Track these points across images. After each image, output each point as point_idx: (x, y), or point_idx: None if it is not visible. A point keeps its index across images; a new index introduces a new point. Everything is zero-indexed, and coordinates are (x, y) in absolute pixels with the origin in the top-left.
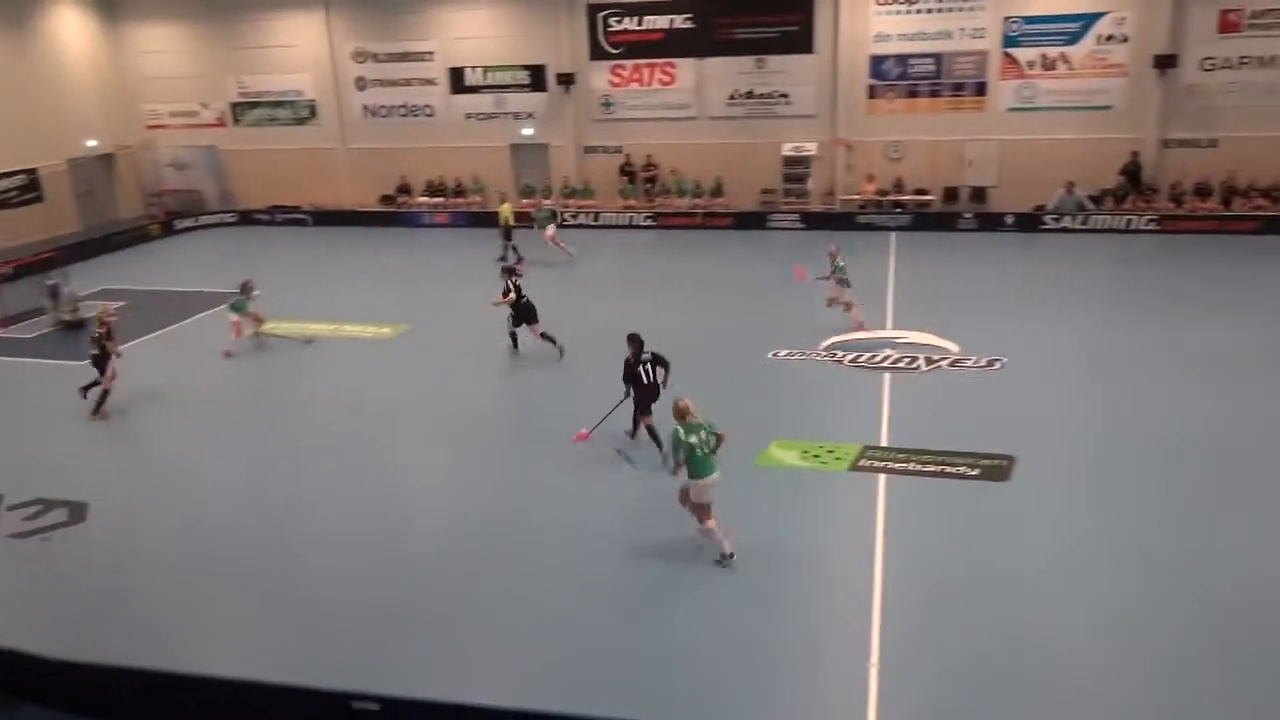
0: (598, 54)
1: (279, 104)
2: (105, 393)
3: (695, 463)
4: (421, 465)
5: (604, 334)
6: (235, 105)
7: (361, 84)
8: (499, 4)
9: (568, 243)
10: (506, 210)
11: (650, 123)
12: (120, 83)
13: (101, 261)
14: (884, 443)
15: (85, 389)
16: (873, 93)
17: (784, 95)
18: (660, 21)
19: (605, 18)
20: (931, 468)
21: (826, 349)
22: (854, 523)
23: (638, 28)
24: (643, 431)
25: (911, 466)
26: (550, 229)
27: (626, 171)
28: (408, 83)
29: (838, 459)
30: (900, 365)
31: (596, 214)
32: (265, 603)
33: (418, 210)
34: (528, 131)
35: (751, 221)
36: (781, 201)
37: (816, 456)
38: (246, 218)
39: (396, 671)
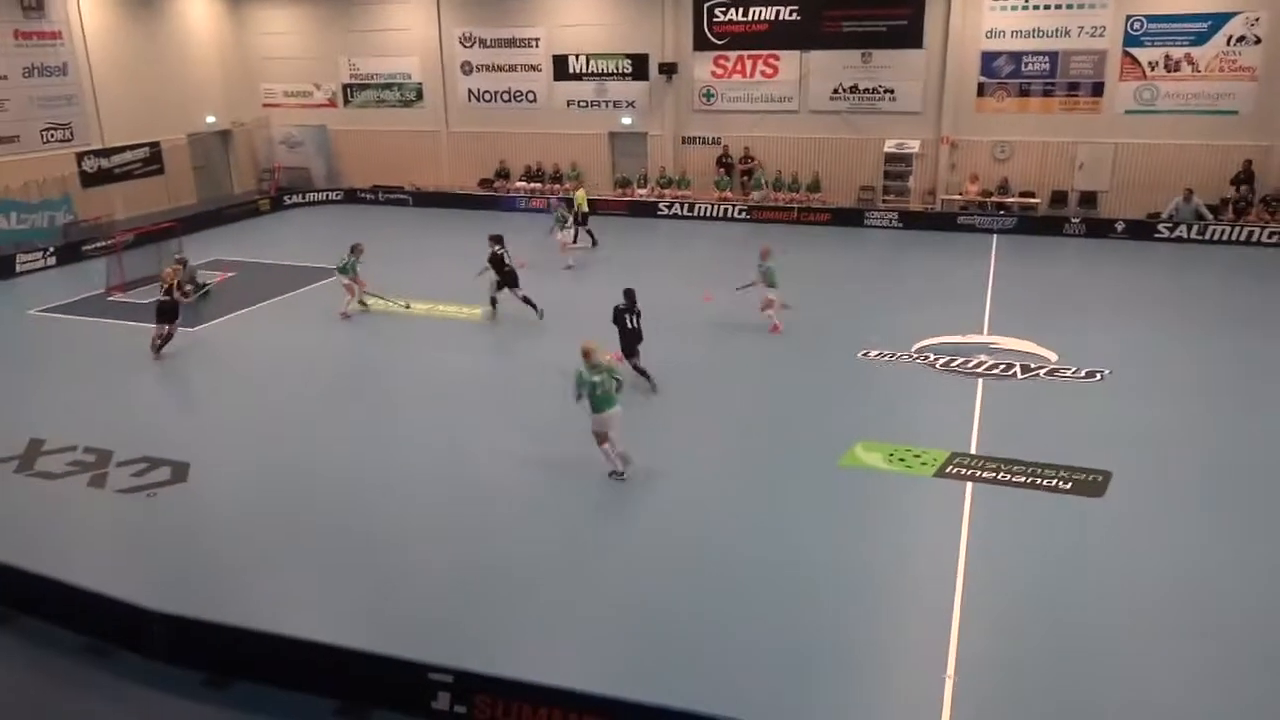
0: (701, 44)
1: (387, 86)
2: (170, 336)
3: (596, 400)
4: (508, 445)
5: (695, 322)
6: (346, 86)
7: (467, 69)
8: None
9: (581, 241)
10: (581, 196)
11: (750, 115)
12: (241, 62)
13: (214, 233)
14: (973, 450)
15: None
16: (982, 90)
17: (889, 91)
18: (767, 13)
19: (711, 8)
20: (1021, 479)
21: (918, 351)
22: (937, 531)
23: (743, 19)
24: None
25: (1001, 476)
26: (560, 233)
27: (723, 163)
28: (512, 68)
29: (924, 464)
30: (995, 371)
31: (691, 205)
32: (349, 569)
33: (514, 195)
34: (627, 120)
35: (849, 218)
36: (880, 199)
37: (902, 460)
38: (351, 196)
39: (470, 645)
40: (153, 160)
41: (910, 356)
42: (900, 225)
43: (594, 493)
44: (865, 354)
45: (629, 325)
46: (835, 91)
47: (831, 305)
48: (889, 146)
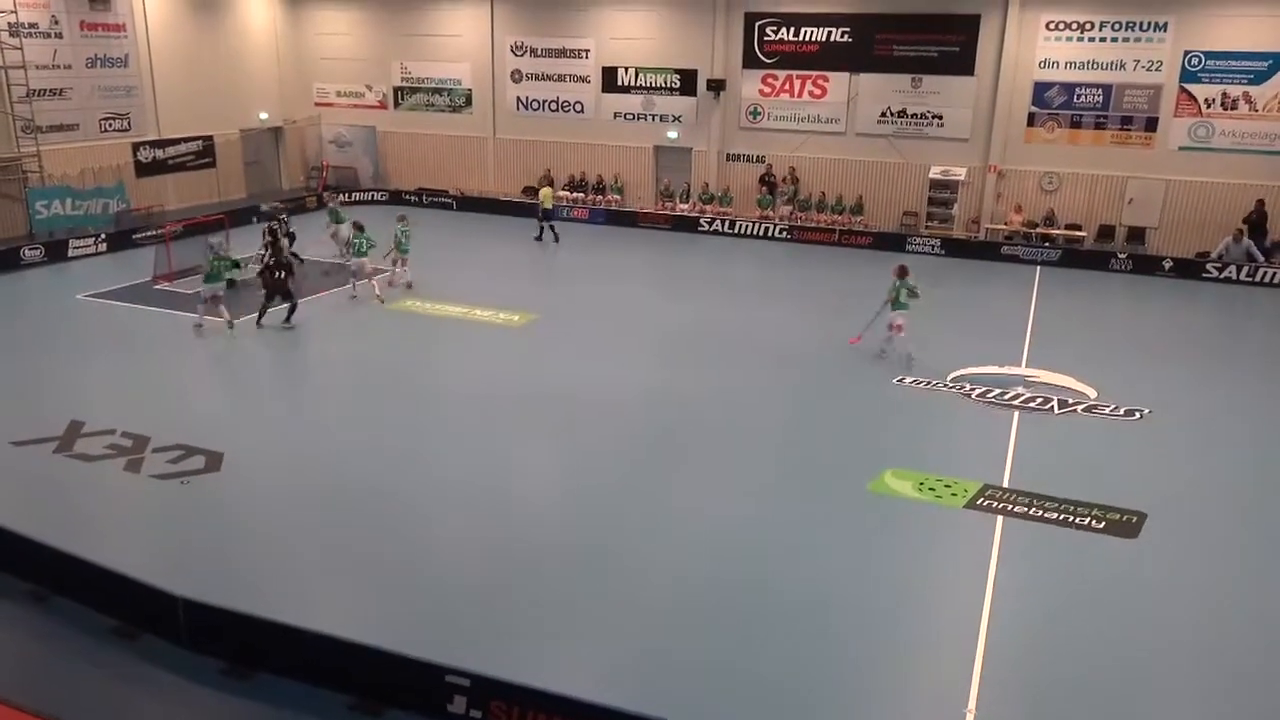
0: (751, 62)
1: (437, 91)
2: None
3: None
4: (537, 450)
5: (730, 343)
6: (397, 89)
7: (517, 77)
8: (657, 7)
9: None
10: (546, 194)
11: (796, 134)
12: (296, 61)
13: (260, 228)
14: (1006, 483)
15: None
16: (1032, 120)
17: (938, 116)
18: (818, 34)
19: (762, 27)
20: (1054, 515)
21: (955, 380)
22: (965, 563)
23: (794, 39)
24: None
25: (1033, 512)
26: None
27: (766, 181)
28: (561, 78)
29: (954, 495)
30: (1031, 405)
31: (733, 222)
32: (374, 568)
33: (558, 204)
34: (673, 135)
35: (890, 243)
36: (923, 225)
37: (932, 490)
38: (396, 197)
39: (489, 650)
40: (205, 153)
41: (946, 385)
42: (942, 252)
43: (623, 507)
44: (901, 380)
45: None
46: (883, 115)
47: (868, 330)
48: (934, 172)
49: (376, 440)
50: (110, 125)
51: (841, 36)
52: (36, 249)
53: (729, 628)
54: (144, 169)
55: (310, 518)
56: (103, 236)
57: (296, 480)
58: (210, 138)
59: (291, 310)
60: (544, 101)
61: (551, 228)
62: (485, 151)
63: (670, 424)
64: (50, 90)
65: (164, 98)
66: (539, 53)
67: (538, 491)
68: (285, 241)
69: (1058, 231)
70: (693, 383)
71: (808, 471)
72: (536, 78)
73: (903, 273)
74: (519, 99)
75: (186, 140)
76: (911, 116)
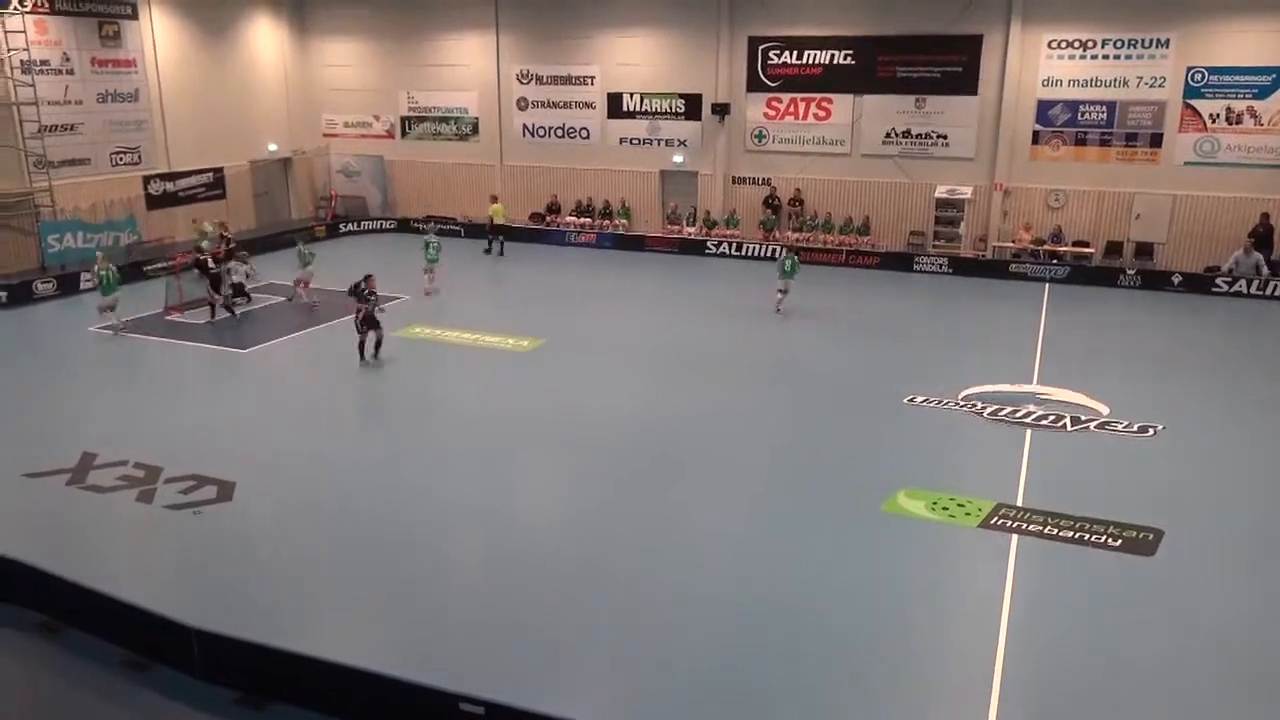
0: (755, 86)
1: (444, 120)
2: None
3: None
4: (546, 477)
5: (738, 362)
6: (404, 119)
7: (523, 104)
8: (661, 33)
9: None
10: (498, 209)
11: (801, 156)
12: (304, 93)
13: (270, 258)
14: (1019, 502)
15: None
16: (1037, 138)
17: (942, 136)
18: (821, 57)
19: (765, 50)
20: (1069, 534)
21: (965, 398)
22: (980, 583)
23: (798, 62)
24: None
25: (1048, 530)
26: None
27: (770, 204)
28: (567, 105)
29: (968, 514)
30: (1044, 423)
31: (739, 244)
32: (386, 596)
33: (564, 229)
34: (679, 159)
35: (897, 263)
36: (930, 245)
37: (945, 509)
38: (404, 225)
39: (501, 677)
40: (216, 185)
41: (957, 404)
42: (950, 271)
43: (633, 530)
44: (911, 400)
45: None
46: (888, 136)
47: (878, 349)
48: (940, 192)
49: (386, 467)
50: (121, 159)
51: (844, 59)
52: (49, 282)
53: (740, 650)
54: (155, 201)
55: (321, 546)
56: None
57: (307, 508)
58: (220, 169)
59: (379, 344)
60: (550, 128)
61: (500, 241)
62: (493, 178)
63: (680, 445)
64: (62, 126)
65: (174, 131)
66: (544, 80)
67: (547, 516)
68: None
69: (1065, 249)
70: (702, 404)
71: (819, 492)
72: (542, 105)
73: (793, 249)
74: (525, 126)
75: (197, 172)
76: (916, 137)
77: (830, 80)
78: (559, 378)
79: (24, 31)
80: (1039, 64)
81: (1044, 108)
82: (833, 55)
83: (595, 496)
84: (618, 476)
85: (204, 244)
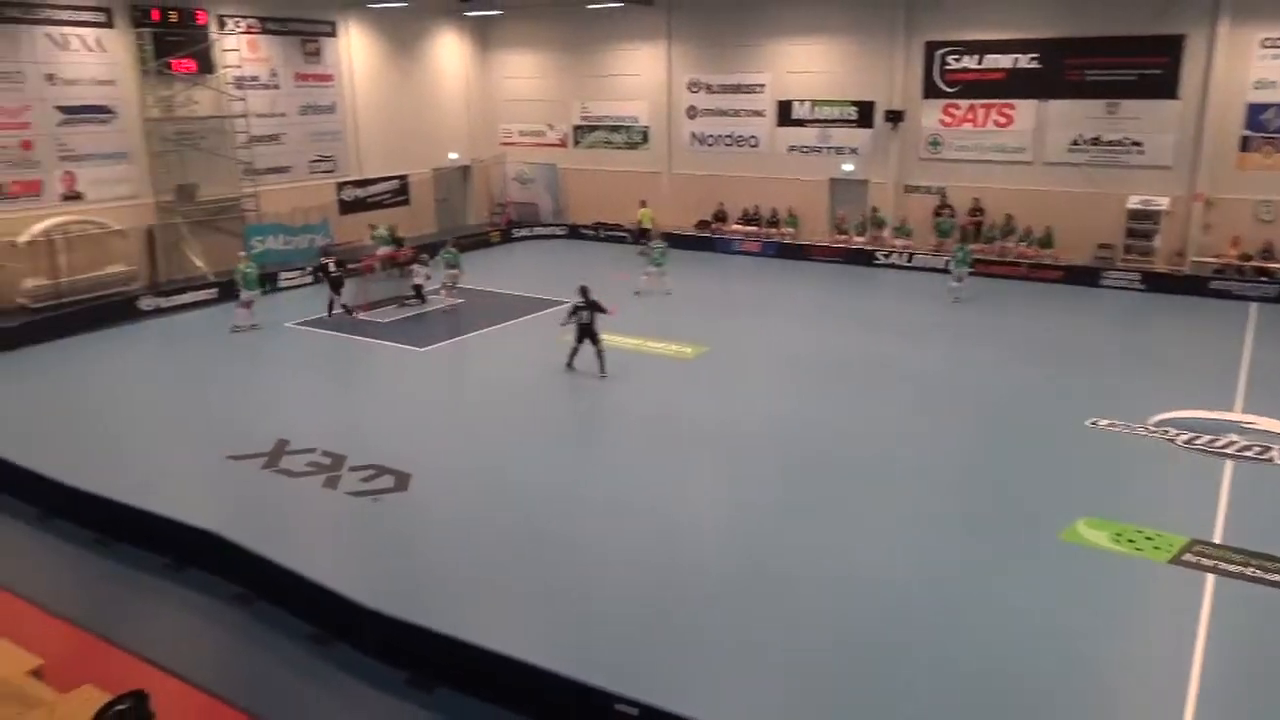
0: (931, 92)
1: (615, 128)
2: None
3: None
4: (709, 485)
5: (914, 379)
6: (577, 128)
7: (692, 113)
8: (834, 39)
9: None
10: (646, 214)
11: (979, 165)
12: (484, 103)
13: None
14: (1217, 539)
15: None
16: (1245, 145)
17: (1136, 143)
18: (1003, 61)
19: (944, 55)
20: (1276, 577)
21: (1157, 424)
22: (1169, 625)
23: (977, 66)
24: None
25: (1250, 572)
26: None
27: (940, 212)
28: (736, 113)
29: (1157, 548)
30: (1248, 454)
31: (910, 255)
32: (548, 591)
33: (730, 237)
34: (848, 167)
35: (1083, 277)
36: (1120, 258)
37: (1132, 541)
38: (574, 231)
39: (657, 679)
40: (401, 191)
41: (1147, 430)
42: (1142, 287)
43: (797, 545)
44: (1095, 423)
45: (582, 320)
46: (1074, 143)
47: (1059, 368)
48: (1133, 202)
49: (551, 466)
50: (318, 167)
51: (1029, 62)
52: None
53: (904, 678)
54: (346, 207)
55: (488, 539)
56: (309, 269)
57: (476, 502)
58: (405, 177)
59: (599, 356)
60: (718, 136)
61: (647, 243)
62: (660, 186)
63: (845, 460)
64: (268, 136)
65: (365, 140)
66: (714, 89)
67: (709, 524)
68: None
69: (1276, 265)
70: (868, 419)
71: (993, 516)
72: (712, 113)
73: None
74: (694, 134)
75: (384, 179)
76: (1107, 144)
77: (1012, 85)
78: (722, 386)
79: (238, 50)
80: (1250, 64)
81: (1255, 111)
82: (1016, 59)
83: (756, 507)
84: (779, 489)
85: (378, 247)
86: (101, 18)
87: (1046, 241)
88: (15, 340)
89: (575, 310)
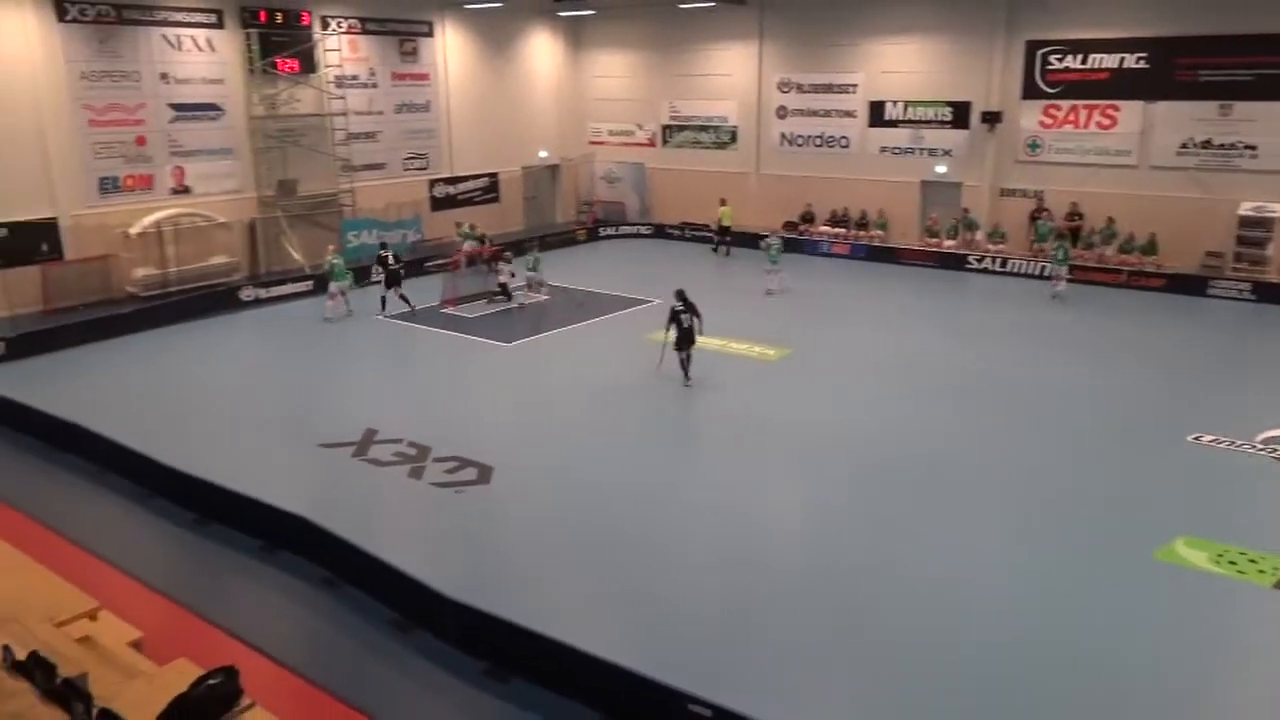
0: (1031, 92)
1: (704, 128)
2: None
3: None
4: (791, 486)
5: (1001, 388)
6: (665, 127)
7: (782, 113)
8: (930, 39)
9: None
10: (725, 212)
11: (1079, 168)
12: (574, 102)
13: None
14: None
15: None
16: None
17: (1250, 147)
18: (1109, 60)
19: (1045, 55)
20: None
21: (1264, 442)
22: (1274, 654)
23: (1081, 66)
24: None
25: None
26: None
27: (1037, 218)
28: (827, 114)
29: (1261, 571)
30: None
31: (1003, 260)
32: (624, 588)
33: (818, 238)
34: (941, 169)
35: (1188, 286)
36: (1230, 267)
37: (1234, 564)
38: (660, 231)
39: (730, 680)
40: (490, 189)
41: (1254, 447)
42: (1253, 297)
43: (879, 554)
44: (1197, 439)
45: (683, 325)
46: (1183, 146)
47: (1160, 380)
48: (1246, 209)
49: (631, 465)
50: (411, 164)
51: (1136, 62)
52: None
53: (981, 694)
54: (437, 203)
55: (568, 534)
56: (400, 263)
57: (556, 498)
58: (495, 174)
59: (686, 366)
60: (808, 136)
61: (727, 243)
62: (747, 186)
63: (928, 468)
64: (365, 134)
65: (458, 138)
66: (805, 88)
67: (787, 526)
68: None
69: None
70: (954, 426)
71: (1084, 532)
72: (802, 113)
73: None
74: (783, 134)
75: (475, 177)
76: (1218, 147)
77: (1118, 85)
78: (804, 389)
79: (339, 50)
80: None
81: None
82: (1122, 59)
83: (835, 510)
84: (858, 493)
85: (464, 243)
86: (213, 19)
87: (1149, 249)
88: (126, 327)
89: (675, 315)
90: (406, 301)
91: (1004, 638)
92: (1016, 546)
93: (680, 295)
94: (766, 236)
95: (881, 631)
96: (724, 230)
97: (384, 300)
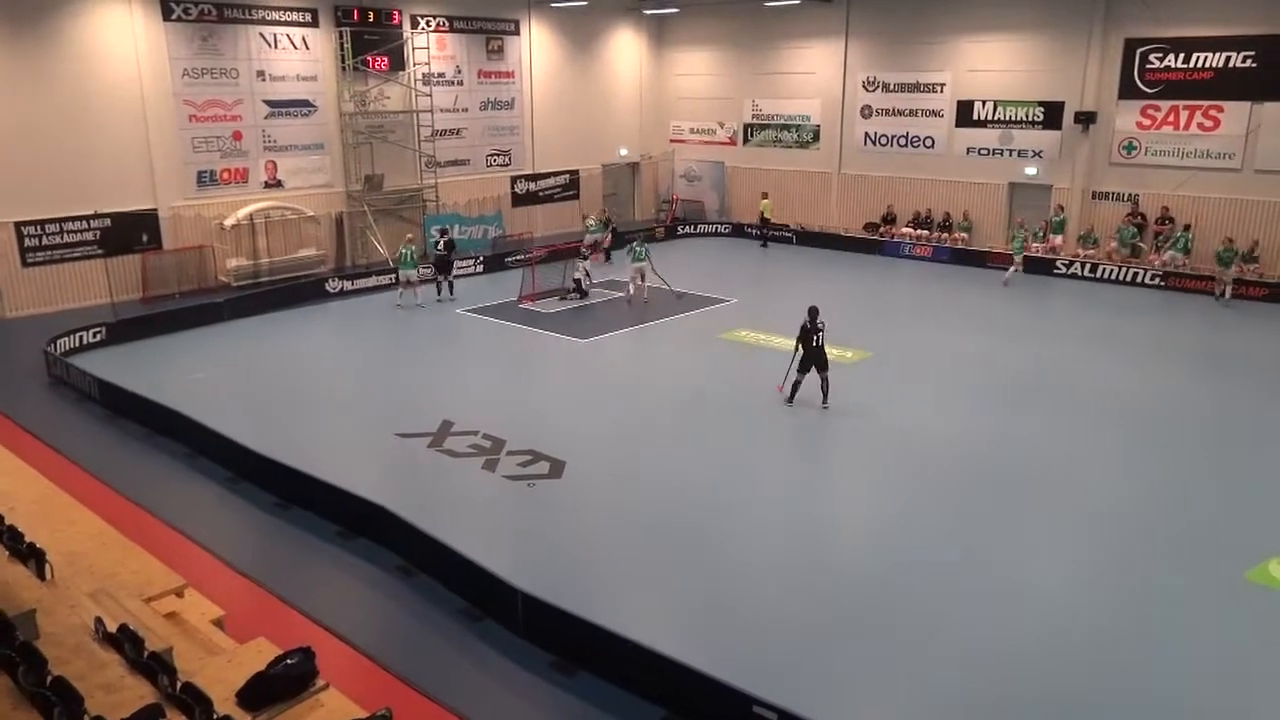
0: (1129, 92)
1: (785, 127)
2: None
3: None
4: (866, 491)
5: (1087, 397)
6: (747, 126)
7: (867, 112)
8: (1022, 37)
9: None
10: (766, 205)
11: (1178, 171)
12: (656, 100)
13: (613, 257)
14: None
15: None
16: None
17: None
18: (1214, 59)
19: (1145, 54)
20: None
21: None
22: None
23: (1183, 65)
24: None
25: None
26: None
27: (1131, 221)
28: (913, 113)
29: None
30: None
31: (1094, 265)
32: (693, 588)
33: (900, 240)
34: (1031, 171)
35: None
36: None
37: None
38: (738, 229)
39: (796, 683)
40: (570, 186)
41: None
42: None
43: (964, 556)
44: None
45: (813, 344)
46: None
47: (1259, 394)
48: None
49: (702, 465)
50: (494, 161)
51: (1243, 61)
52: (428, 268)
53: (1054, 707)
54: (518, 200)
55: (637, 532)
56: (480, 259)
57: (627, 495)
58: (575, 172)
59: (825, 388)
60: (893, 137)
61: (767, 236)
62: (829, 187)
63: (1012, 477)
64: (450, 130)
65: (540, 135)
66: (891, 88)
67: (860, 530)
68: None
69: None
70: (1039, 436)
71: (1172, 548)
72: (887, 113)
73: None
74: (867, 134)
75: (555, 174)
76: None
77: (1222, 85)
78: (881, 392)
79: (427, 48)
80: None
81: None
82: (1228, 58)
83: (909, 516)
84: (935, 500)
85: (592, 236)
86: (308, 18)
87: (1250, 256)
88: (220, 316)
89: (804, 333)
90: (450, 289)
91: (1083, 654)
92: (1100, 559)
93: (812, 312)
94: (632, 241)
95: (955, 639)
96: (765, 223)
97: (439, 286)
